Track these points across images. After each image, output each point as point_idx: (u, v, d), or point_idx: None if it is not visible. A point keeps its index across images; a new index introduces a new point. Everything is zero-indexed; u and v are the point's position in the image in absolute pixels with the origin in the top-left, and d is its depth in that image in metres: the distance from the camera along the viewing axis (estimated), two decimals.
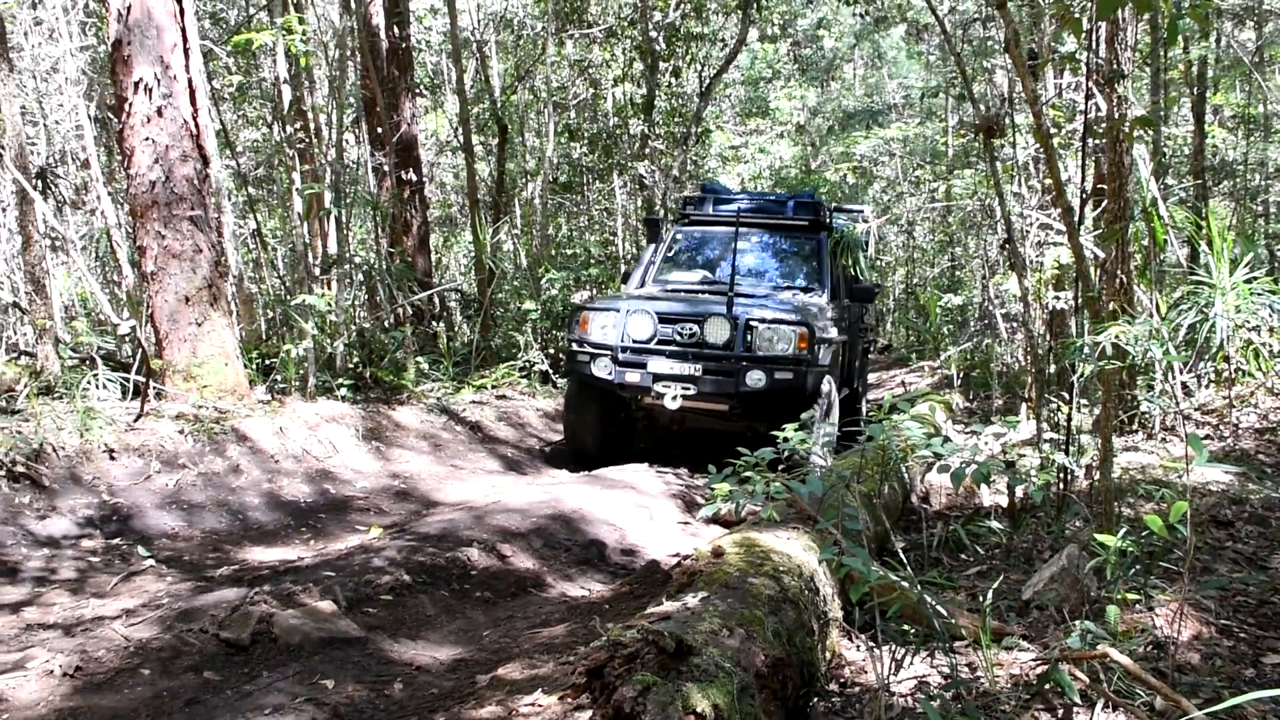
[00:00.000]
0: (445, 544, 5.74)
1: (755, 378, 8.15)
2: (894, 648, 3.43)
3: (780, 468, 5.05)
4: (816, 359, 8.28)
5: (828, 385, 8.64)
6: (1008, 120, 10.11)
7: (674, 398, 8.30)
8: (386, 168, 12.28)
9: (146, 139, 8.07)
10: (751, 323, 8.30)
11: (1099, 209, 7.87)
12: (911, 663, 3.42)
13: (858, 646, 3.75)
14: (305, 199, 11.36)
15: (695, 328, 8.38)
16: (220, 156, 11.31)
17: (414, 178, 13.09)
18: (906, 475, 6.20)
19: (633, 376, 8.45)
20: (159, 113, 8.03)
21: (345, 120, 12.86)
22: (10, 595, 5.00)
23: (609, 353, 8.58)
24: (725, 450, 8.52)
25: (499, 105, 15.66)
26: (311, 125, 13.51)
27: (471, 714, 3.51)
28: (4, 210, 16.36)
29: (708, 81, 18.81)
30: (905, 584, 3.06)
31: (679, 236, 10.52)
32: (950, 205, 20.52)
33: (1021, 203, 10.26)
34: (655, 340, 8.49)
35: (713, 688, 2.23)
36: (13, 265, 14.28)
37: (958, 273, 22.82)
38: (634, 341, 8.55)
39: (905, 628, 3.61)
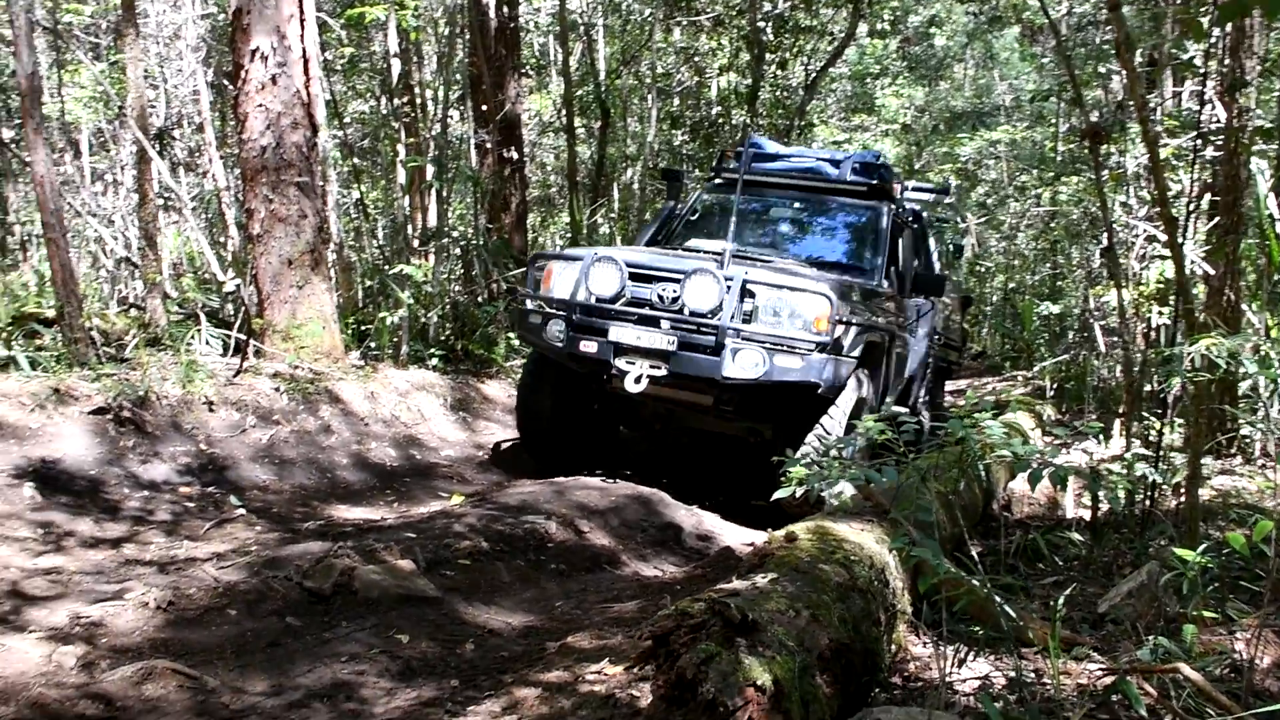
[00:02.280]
0: (524, 515, 5.84)
1: (748, 361, 6.20)
2: (959, 645, 3.43)
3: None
4: (840, 347, 6.38)
5: (858, 390, 6.76)
6: (1119, 127, 9.88)
7: (636, 379, 6.37)
8: (489, 145, 12.44)
9: (260, 105, 8.31)
10: (751, 285, 6.37)
11: (1212, 223, 7.67)
12: (975, 660, 3.41)
13: (924, 643, 3.75)
14: (408, 172, 11.58)
15: (676, 288, 6.43)
16: (328, 126, 11.58)
17: (515, 156, 13.25)
18: (986, 479, 6.12)
19: (588, 346, 6.53)
20: (273, 81, 8.27)
21: (451, 96, 13.07)
22: (112, 531, 5.24)
23: (564, 313, 6.70)
24: (723, 461, 8.17)
25: (603, 89, 15.76)
26: (418, 100, 13.74)
27: (539, 677, 3.60)
28: (122, 169, 16.99)
29: (813, 75, 18.68)
30: (975, 582, 3.06)
31: (706, 197, 8.68)
32: (1055, 211, 20.12)
33: (1129, 212, 10.04)
34: (622, 300, 6.58)
35: (774, 664, 2.27)
36: (128, 221, 14.82)
37: (1059, 282, 22.36)
38: (594, 299, 6.62)
39: (974, 628, 3.61)
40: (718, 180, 8.80)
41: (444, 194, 11.54)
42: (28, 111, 7.36)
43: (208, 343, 8.48)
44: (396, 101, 12.25)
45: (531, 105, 19.36)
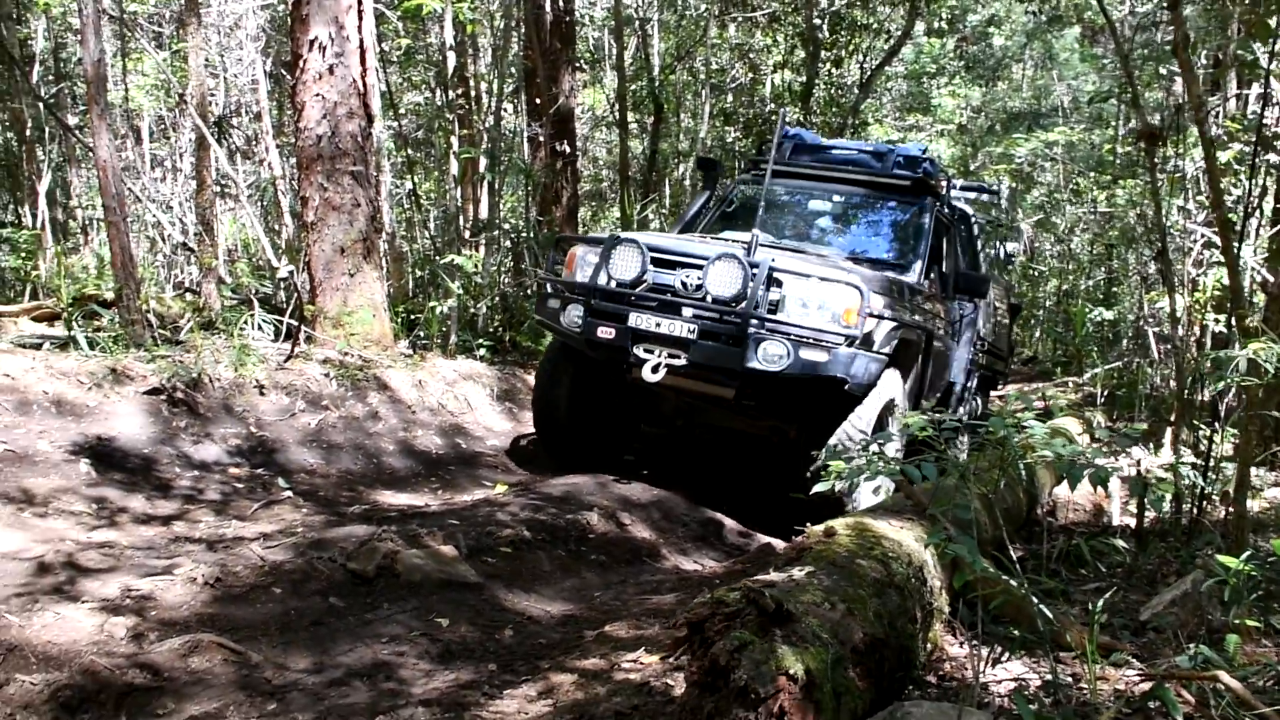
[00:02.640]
0: (567, 506, 5.89)
1: (771, 353, 5.95)
2: (995, 646, 3.42)
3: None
4: (870, 343, 6.12)
5: (889, 390, 6.44)
6: (1177, 129, 9.72)
7: (654, 368, 6.13)
8: (542, 138, 12.51)
9: (317, 95, 8.43)
10: (777, 273, 6.11)
11: (1275, 229, 7.53)
12: (1011, 662, 3.40)
13: (961, 643, 3.74)
14: (461, 163, 11.67)
15: (699, 274, 6.18)
16: (383, 117, 11.70)
17: (568, 150, 13.31)
18: (1030, 484, 6.06)
19: (606, 332, 6.29)
20: (330, 71, 8.38)
21: (505, 89, 13.16)
22: (163, 509, 5.35)
23: (583, 297, 6.50)
24: (749, 463, 7.90)
25: (657, 84, 15.76)
26: (472, 92, 13.85)
27: (575, 664, 3.64)
28: (181, 156, 17.30)
29: (869, 73, 18.57)
30: (1012, 582, 3.05)
31: (743, 188, 8.36)
32: (1111, 215, 19.83)
33: (1188, 217, 9.87)
34: (643, 286, 6.33)
35: (807, 654, 2.29)
36: (186, 208, 15.08)
37: (1114, 287, 22.03)
38: (614, 284, 6.40)
39: (1011, 629, 3.59)
40: (755, 170, 8.42)
41: (496, 186, 11.63)
42: (93, 98, 7.52)
43: (260, 328, 8.63)
44: (451, 93, 12.35)
45: (585, 99, 19.43)
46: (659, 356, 6.15)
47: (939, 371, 7.72)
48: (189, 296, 11.34)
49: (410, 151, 15.07)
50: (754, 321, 6.00)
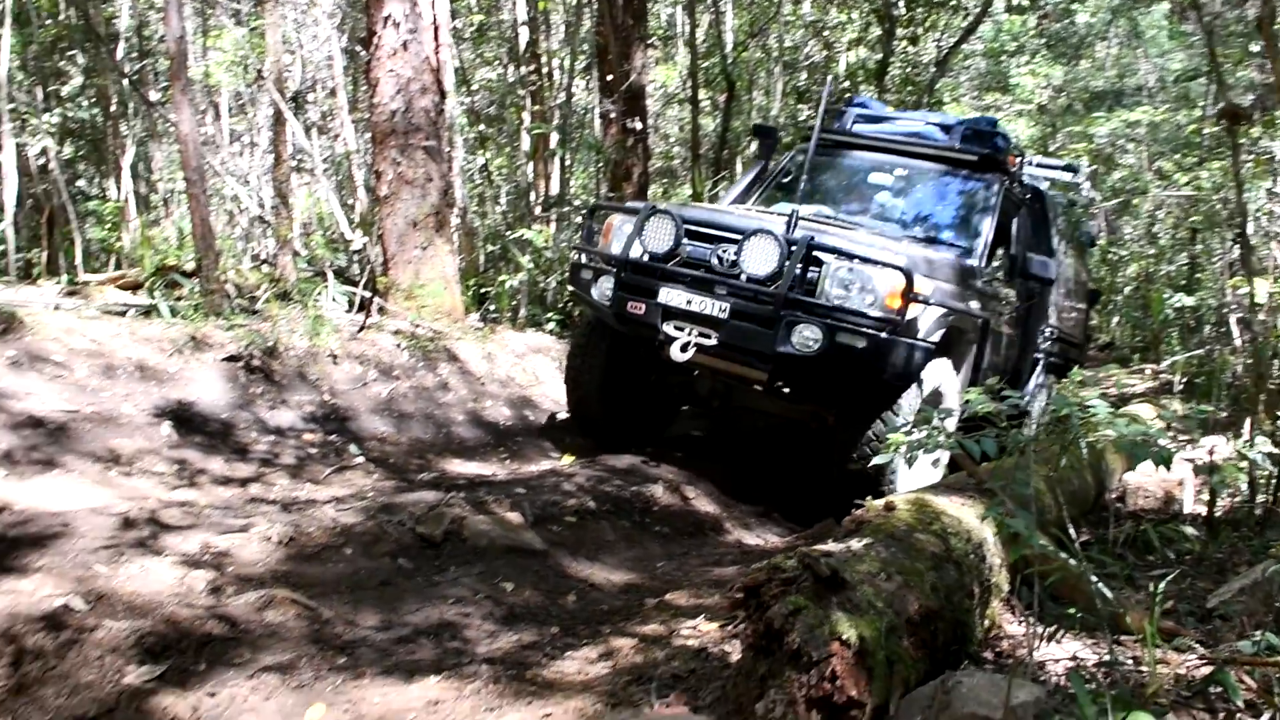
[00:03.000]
0: (632, 478, 5.96)
1: (806, 336, 5.60)
2: (1052, 624, 3.42)
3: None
4: (915, 330, 5.73)
5: (936, 381, 6.06)
6: (1264, 109, 9.45)
7: (683, 347, 5.86)
8: (613, 115, 12.55)
9: (391, 71, 8.55)
10: (818, 252, 5.76)
11: None
12: (1067, 640, 3.40)
13: (1019, 622, 3.74)
14: (533, 139, 11.78)
15: (735, 249, 5.88)
16: (456, 93, 11.82)
17: (639, 126, 13.33)
18: (1095, 466, 5.99)
19: (636, 307, 6.04)
20: (404, 47, 8.50)
21: (577, 65, 13.21)
22: (240, 472, 5.54)
23: (615, 270, 6.25)
24: (791, 449, 7.34)
25: (729, 61, 15.71)
26: (544, 69, 13.93)
27: (635, 629, 3.71)
28: (259, 131, 17.64)
29: (945, 51, 18.30)
30: (1072, 562, 3.05)
31: (799, 158, 7.68)
32: (1195, 198, 19.34)
33: (1275, 200, 9.63)
34: (676, 260, 6.06)
35: (861, 621, 2.33)
36: (263, 181, 15.38)
37: (1197, 273, 21.49)
38: (647, 257, 6.14)
39: (1071, 610, 3.58)
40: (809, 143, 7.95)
41: (567, 162, 11.71)
42: (175, 74, 7.72)
43: (334, 299, 8.81)
44: (523, 69, 12.44)
45: (657, 76, 19.41)
46: (688, 335, 5.88)
47: (1000, 361, 7.26)
48: (265, 268, 11.59)
49: (482, 127, 15.19)
50: (788, 302, 5.68)
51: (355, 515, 4.64)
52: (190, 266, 9.11)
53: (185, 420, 5.90)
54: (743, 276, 5.80)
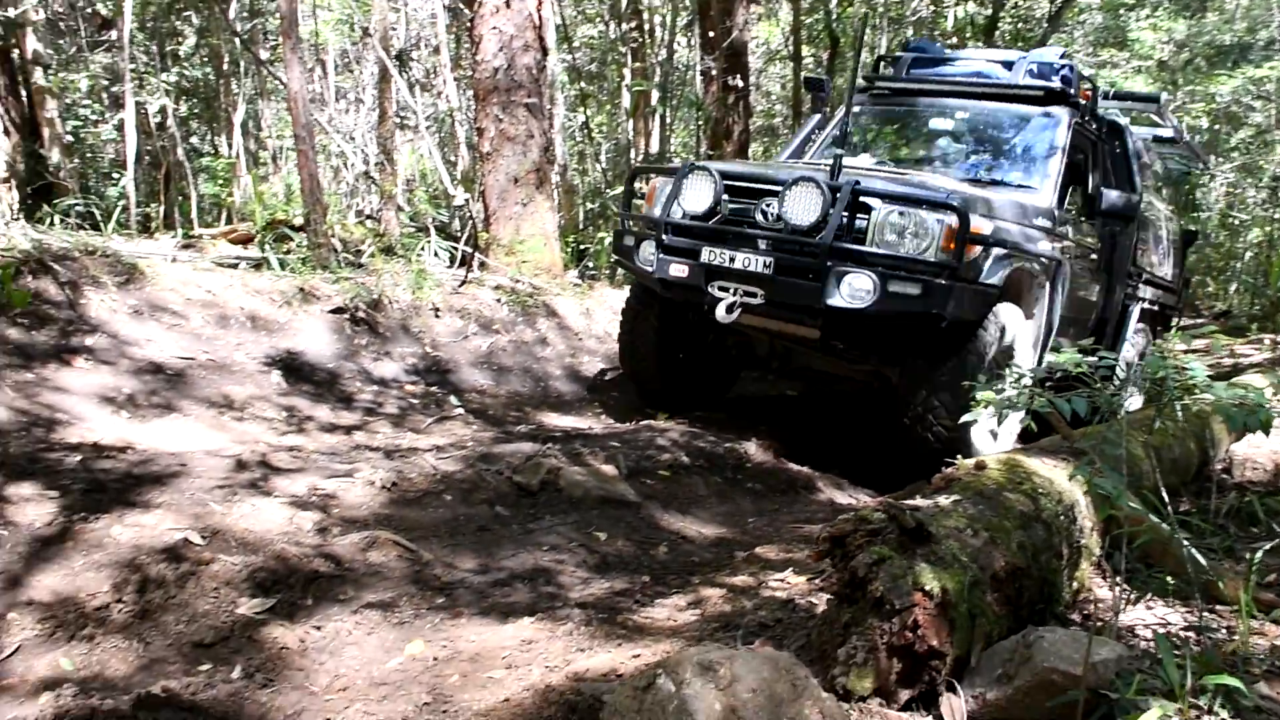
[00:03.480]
0: (725, 434, 6.01)
1: (855, 287, 5.33)
2: (1141, 587, 3.39)
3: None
4: (974, 273, 5.41)
5: (1002, 327, 5.66)
6: None
7: (729, 307, 5.60)
8: (714, 72, 12.50)
9: (494, 28, 8.65)
10: (865, 197, 5.46)
11: None
12: (1158, 605, 3.37)
13: (1109, 586, 3.71)
14: (633, 97, 11.80)
15: (776, 202, 5.59)
16: (558, 50, 11.88)
17: (740, 84, 13.25)
18: (1199, 434, 5.85)
19: (679, 270, 5.82)
20: (507, 4, 8.58)
21: (679, 22, 13.16)
22: (345, 419, 5.74)
23: (655, 233, 6.04)
24: (862, 413, 7.25)
25: (833, 17, 15.48)
26: (646, 25, 13.90)
27: (724, 580, 3.78)
28: (363, 88, 17.95)
29: (1059, 5, 17.74)
30: (1164, 526, 3.02)
31: (856, 109, 7.28)
32: None
33: None
34: (717, 218, 5.81)
35: (945, 574, 2.35)
36: (368, 138, 15.67)
37: None
38: (686, 217, 5.90)
39: (1164, 576, 3.54)
40: (872, 90, 7.61)
41: (667, 120, 11.70)
42: (286, 32, 7.92)
43: (436, 254, 9.00)
44: (625, 26, 12.44)
45: (759, 33, 19.22)
46: (734, 295, 5.60)
47: (1077, 305, 6.88)
48: (369, 223, 11.84)
49: (583, 84, 15.24)
50: (835, 252, 5.38)
51: (455, 463, 4.79)
52: (299, 221, 9.37)
53: (294, 369, 6.13)
54: (786, 229, 5.51)
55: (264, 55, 17.34)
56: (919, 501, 2.86)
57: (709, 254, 5.72)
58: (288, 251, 8.42)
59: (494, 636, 3.18)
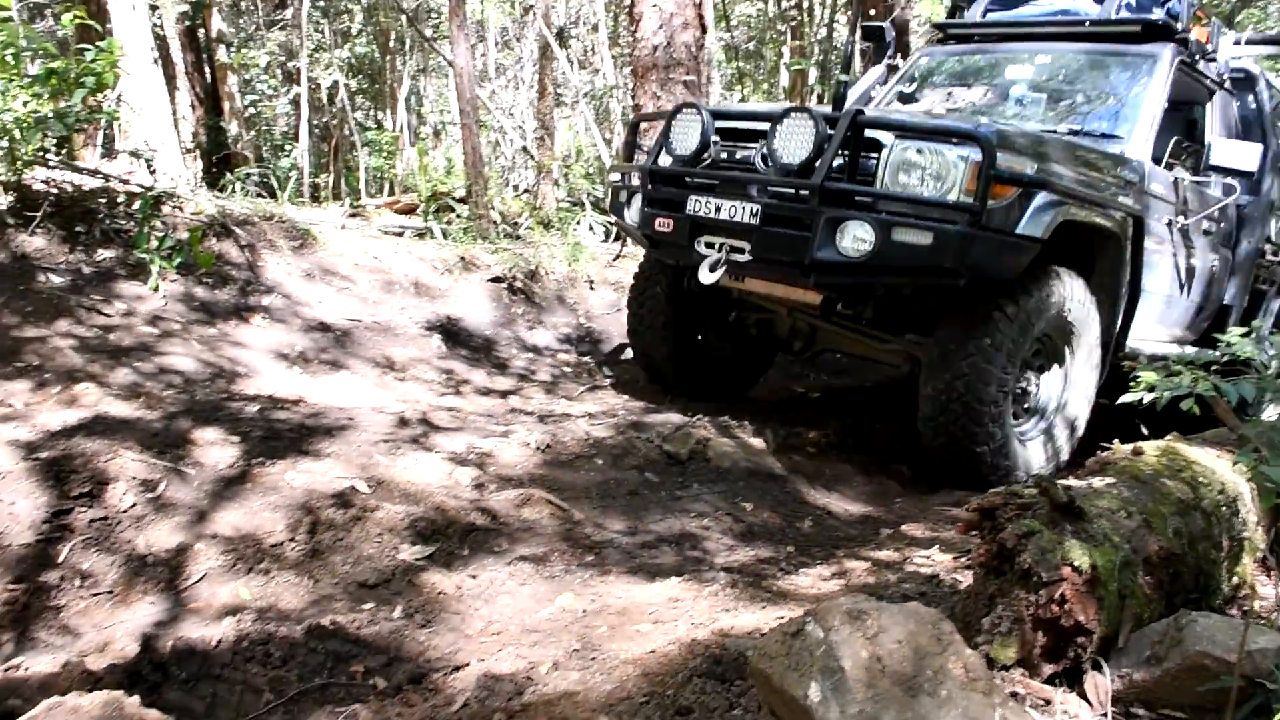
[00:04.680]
0: (878, 414, 5.99)
1: (854, 236, 4.42)
2: None
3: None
4: (1007, 221, 4.37)
5: (1063, 296, 4.75)
6: None
7: (712, 265, 4.82)
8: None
9: (654, 5, 8.72)
10: (873, 131, 4.59)
11: None
12: None
13: (1274, 583, 3.58)
14: (791, 75, 11.73)
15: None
16: (716, 28, 11.89)
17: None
18: None
19: (662, 224, 5.08)
20: None
21: (839, 0, 13.01)
22: (500, 384, 5.93)
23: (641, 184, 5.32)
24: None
25: None
26: (805, 4, 13.78)
27: (869, 554, 3.80)
28: (522, 65, 18.30)
29: None
30: None
31: (924, 60, 6.68)
32: None
33: None
34: (707, 163, 5.05)
35: (1095, 551, 2.33)
36: (527, 114, 15.98)
37: None
38: (673, 163, 5.17)
39: None
40: (943, 38, 6.81)
41: (826, 99, 11.60)
42: (454, 10, 8.17)
43: (591, 228, 9.18)
44: (784, 4, 12.37)
45: (921, 11, 18.79)
46: (719, 251, 4.83)
47: (1182, 282, 5.84)
48: (527, 197, 12.12)
49: (740, 63, 15.23)
50: (831, 195, 4.51)
51: (606, 430, 4.91)
52: (460, 193, 9.67)
53: (453, 334, 6.36)
54: (777, 169, 4.69)
55: (428, 33, 17.86)
56: (1073, 482, 2.83)
57: (695, 204, 4.97)
58: (449, 222, 8.72)
59: (641, 593, 3.28)
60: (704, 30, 9.02)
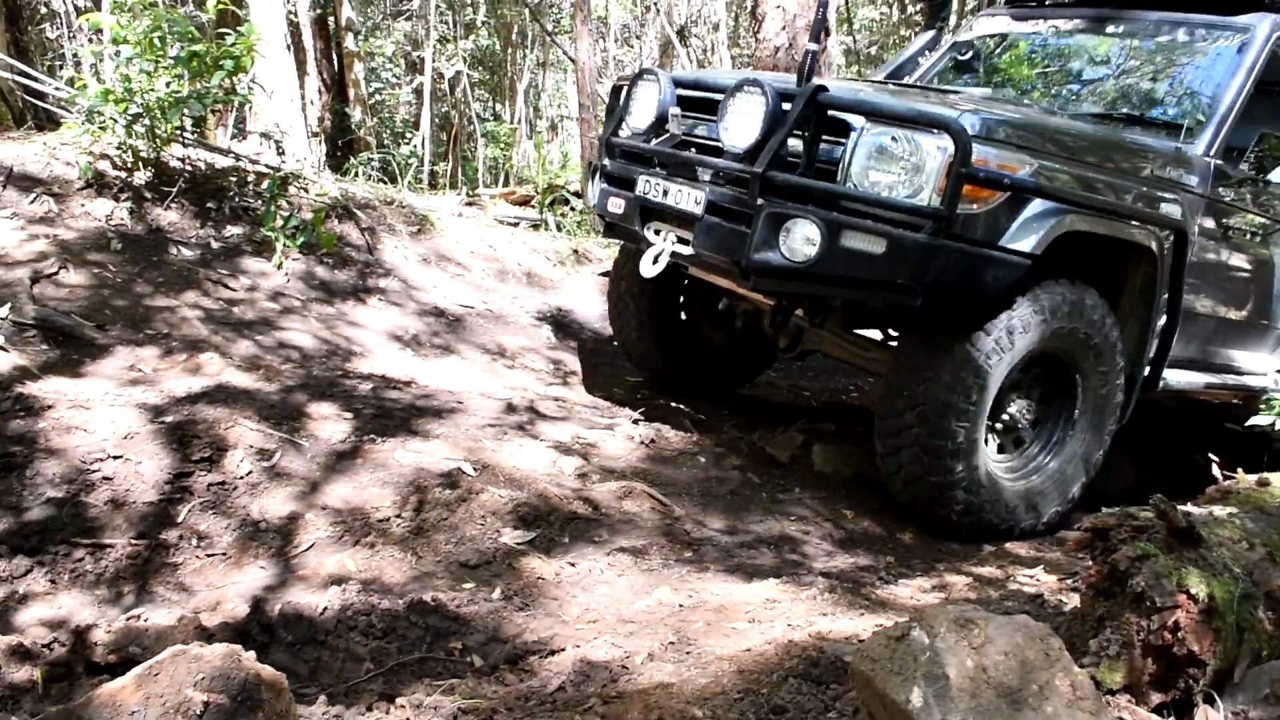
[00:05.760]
0: None
1: (801, 239, 3.77)
2: None
3: None
4: (985, 231, 3.72)
5: (1033, 313, 3.92)
6: None
7: (655, 257, 4.24)
8: None
9: (778, 6, 8.67)
10: (839, 113, 3.85)
11: None
12: None
13: None
14: None
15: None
16: (837, 31, 11.79)
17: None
18: None
19: (615, 205, 4.52)
20: None
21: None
22: None
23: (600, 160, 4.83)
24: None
25: None
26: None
27: (971, 569, 3.74)
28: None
29: None
30: None
31: (985, 23, 5.85)
32: None
33: None
34: (664, 138, 4.44)
35: (1214, 581, 2.25)
36: None
37: None
38: (629, 136, 4.61)
39: None
40: (1011, 6, 5.79)
41: None
42: (578, 4, 8.25)
43: None
44: (909, 9, 12.21)
45: None
46: (665, 240, 4.26)
47: (1252, 309, 5.01)
48: None
49: (859, 67, 15.06)
50: (776, 187, 3.85)
51: (710, 429, 4.92)
52: (575, 187, 9.76)
53: (562, 325, 6.42)
54: (726, 151, 4.05)
55: (549, 27, 18.06)
56: (1191, 509, 2.75)
57: (644, 185, 4.39)
58: (563, 215, 8.80)
59: (739, 592, 3.28)
60: (827, 33, 8.95)
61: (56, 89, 6.83)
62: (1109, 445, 4.41)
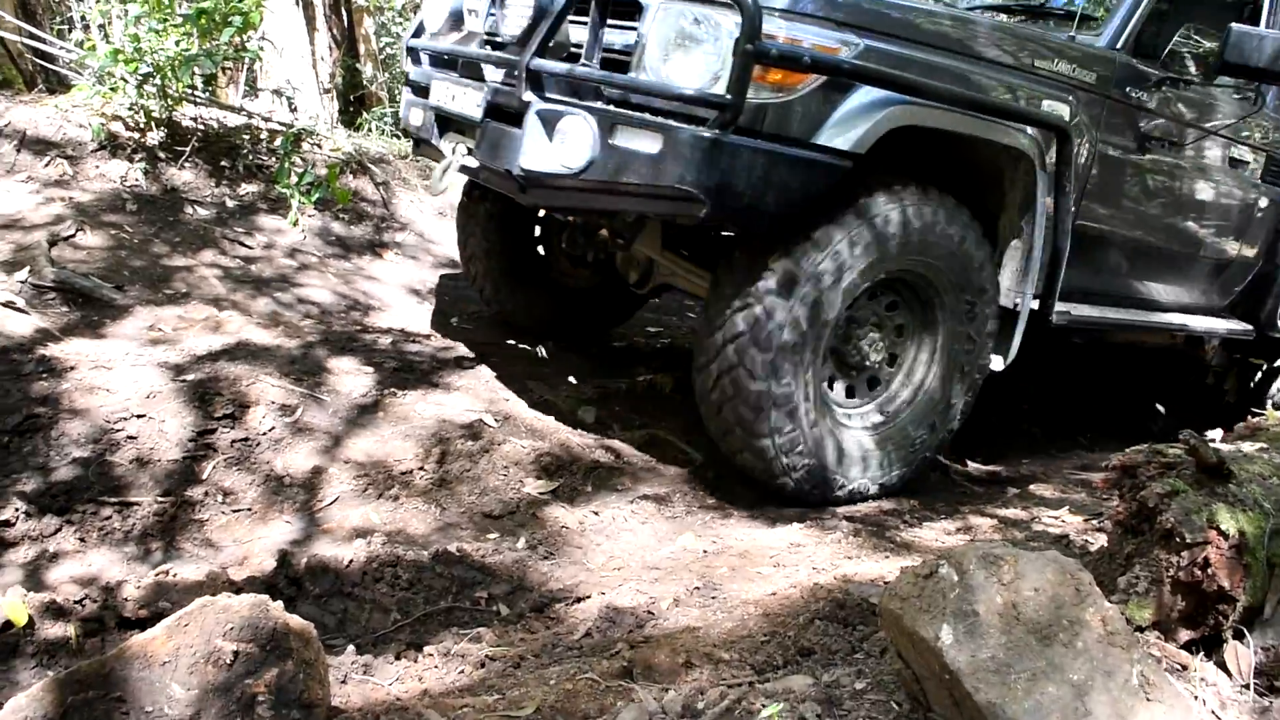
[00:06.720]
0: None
1: (561, 141, 3.19)
2: None
3: None
4: (791, 124, 3.11)
5: (858, 235, 3.32)
6: None
7: (444, 171, 3.66)
8: None
9: None
10: None
11: None
12: None
13: None
14: None
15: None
16: None
17: None
18: None
19: (415, 116, 4.00)
20: None
21: None
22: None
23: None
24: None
25: None
26: None
27: (996, 511, 3.73)
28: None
29: None
30: None
31: None
32: None
33: None
34: (461, 36, 3.96)
35: (1244, 516, 2.23)
36: None
37: None
38: (431, 37, 4.12)
39: None
40: None
41: None
42: None
43: None
44: None
45: None
46: (454, 153, 3.68)
47: (1184, 232, 4.47)
48: None
49: None
50: (542, 79, 3.30)
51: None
52: None
53: None
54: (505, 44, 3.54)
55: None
56: (1221, 445, 2.72)
57: (438, 90, 3.88)
58: None
59: (763, 537, 3.28)
60: None
61: (66, 51, 6.79)
62: (980, 387, 3.91)
